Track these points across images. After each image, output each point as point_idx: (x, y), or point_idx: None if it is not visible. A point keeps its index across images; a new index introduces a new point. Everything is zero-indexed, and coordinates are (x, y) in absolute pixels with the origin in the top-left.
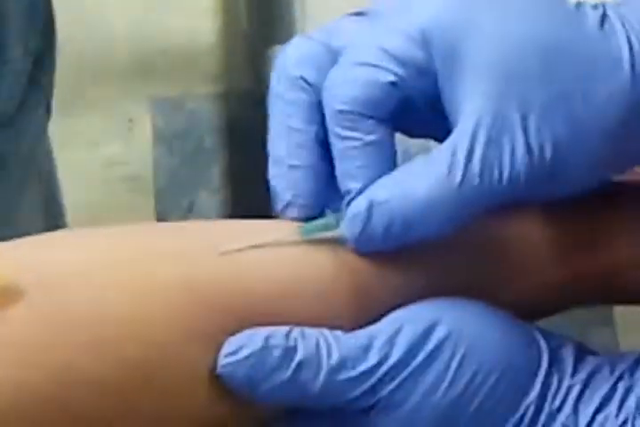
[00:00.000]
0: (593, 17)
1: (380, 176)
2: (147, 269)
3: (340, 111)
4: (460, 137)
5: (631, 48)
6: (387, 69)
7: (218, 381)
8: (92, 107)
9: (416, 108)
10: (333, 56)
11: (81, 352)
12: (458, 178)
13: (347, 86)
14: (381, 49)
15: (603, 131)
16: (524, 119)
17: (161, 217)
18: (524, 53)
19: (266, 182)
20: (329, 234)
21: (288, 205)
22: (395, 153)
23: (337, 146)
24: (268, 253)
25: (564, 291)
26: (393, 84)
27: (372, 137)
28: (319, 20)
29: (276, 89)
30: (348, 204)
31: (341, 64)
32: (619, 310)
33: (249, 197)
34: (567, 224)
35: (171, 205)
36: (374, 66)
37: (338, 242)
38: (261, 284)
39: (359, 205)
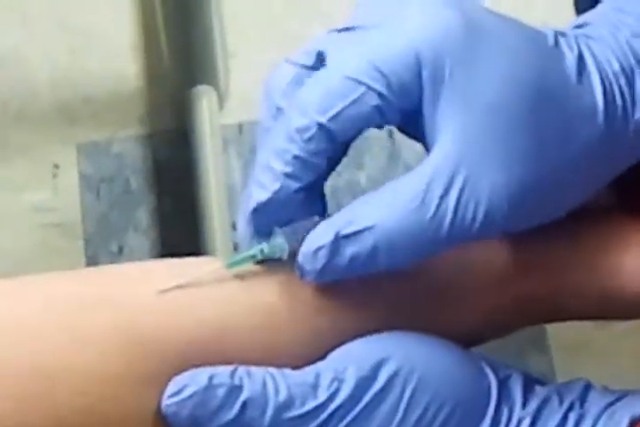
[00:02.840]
0: (570, 60)
1: (291, 194)
2: (79, 317)
3: (317, 122)
4: (436, 171)
5: (606, 100)
6: (374, 90)
7: (164, 423)
8: (16, 153)
9: (389, 122)
10: None
11: (13, 406)
12: (429, 213)
13: (329, 99)
14: (372, 65)
15: (578, 180)
16: (506, 163)
17: (91, 262)
18: (511, 96)
19: (194, 221)
20: (274, 261)
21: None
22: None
23: (278, 142)
24: (201, 293)
25: (505, 315)
26: (376, 107)
27: (315, 159)
28: (242, 59)
29: (266, 122)
30: (255, 211)
31: (328, 72)
32: (552, 334)
33: (178, 236)
34: (506, 249)
35: (100, 249)
36: (363, 84)
37: (271, 274)
38: (198, 324)
39: (323, 237)
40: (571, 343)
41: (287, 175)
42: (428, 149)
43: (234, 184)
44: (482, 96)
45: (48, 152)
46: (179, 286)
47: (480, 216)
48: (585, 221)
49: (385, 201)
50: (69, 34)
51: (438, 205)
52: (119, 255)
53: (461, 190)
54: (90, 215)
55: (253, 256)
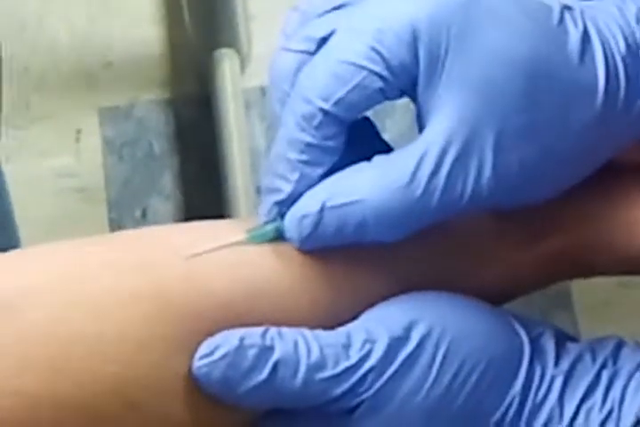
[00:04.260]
0: (574, 38)
1: (312, 181)
2: (110, 282)
3: (321, 109)
4: (428, 148)
5: (608, 81)
6: (375, 73)
7: (196, 386)
8: (39, 119)
9: (391, 99)
10: None
11: (44, 373)
12: (419, 190)
13: (332, 84)
14: (371, 47)
15: (572, 160)
16: (497, 142)
17: (114, 226)
18: (507, 74)
19: (217, 185)
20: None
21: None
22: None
23: (289, 132)
24: (231, 257)
25: (531, 273)
26: (379, 89)
27: (330, 143)
28: (263, 22)
29: (277, 109)
30: (279, 203)
31: (327, 56)
32: (577, 293)
33: (202, 200)
34: (531, 207)
35: (124, 213)
36: (364, 68)
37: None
38: (229, 288)
39: (309, 205)
40: (595, 302)
41: (305, 163)
42: (421, 126)
43: (257, 147)
44: (475, 75)
45: (70, 117)
46: (209, 251)
47: (467, 194)
48: (612, 178)
49: (375, 175)
50: None
51: (427, 183)
52: (143, 220)
53: (450, 169)
54: (113, 180)
55: (278, 228)
